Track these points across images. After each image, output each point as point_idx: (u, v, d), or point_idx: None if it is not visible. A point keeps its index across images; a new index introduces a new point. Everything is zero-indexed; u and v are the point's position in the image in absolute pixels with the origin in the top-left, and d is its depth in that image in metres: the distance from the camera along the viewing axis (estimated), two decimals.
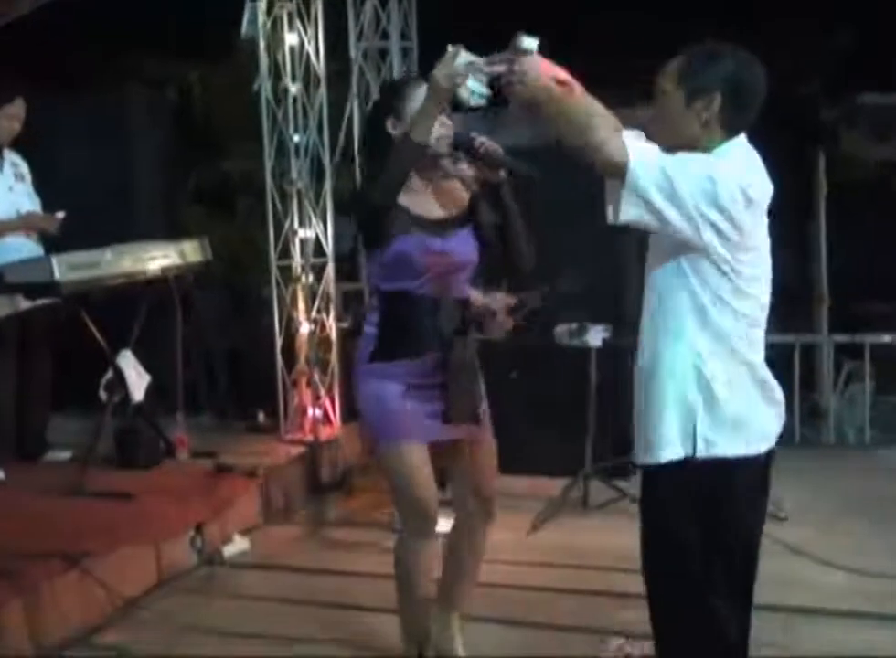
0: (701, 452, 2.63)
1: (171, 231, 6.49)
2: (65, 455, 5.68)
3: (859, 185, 10.93)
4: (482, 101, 3.00)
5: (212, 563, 4.91)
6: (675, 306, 2.64)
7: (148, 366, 5.65)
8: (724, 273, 2.59)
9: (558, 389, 5.73)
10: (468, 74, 2.96)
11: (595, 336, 5.40)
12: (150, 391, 5.66)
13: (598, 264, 5.85)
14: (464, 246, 3.40)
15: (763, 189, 2.66)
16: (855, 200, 10.30)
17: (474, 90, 2.99)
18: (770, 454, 2.73)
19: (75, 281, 4.94)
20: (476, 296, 3.61)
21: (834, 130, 8.24)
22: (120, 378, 5.46)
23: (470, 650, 3.70)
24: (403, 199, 3.28)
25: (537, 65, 2.63)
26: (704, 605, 2.67)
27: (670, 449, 2.64)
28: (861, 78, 8.10)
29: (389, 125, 3.34)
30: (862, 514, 5.14)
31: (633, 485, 5.72)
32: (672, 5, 7.67)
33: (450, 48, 3.01)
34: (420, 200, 3.37)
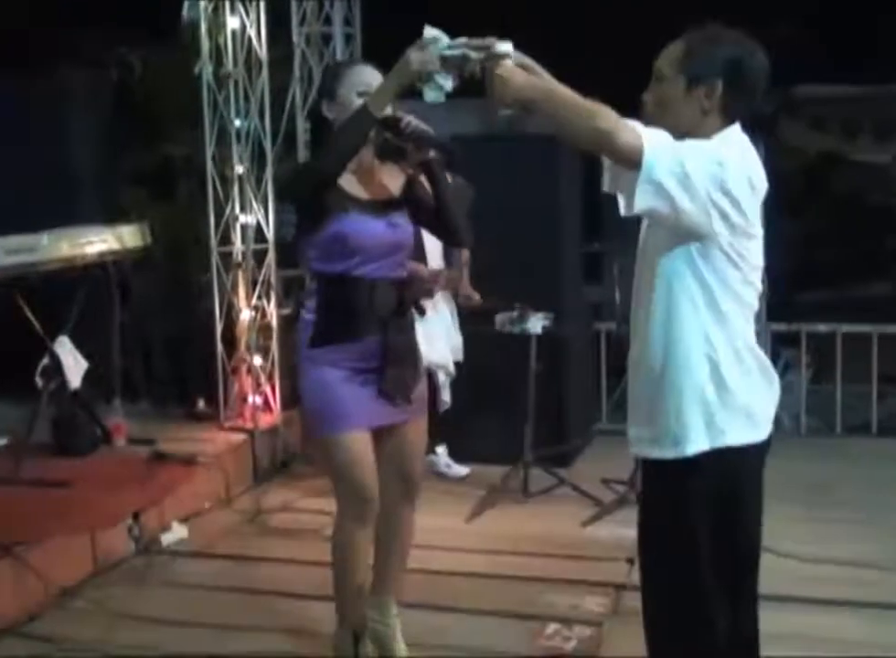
0: (718, 443, 2.61)
1: (110, 214, 6.41)
2: (0, 442, 5.60)
3: (799, 174, 11.09)
4: (440, 98, 2.98)
5: (150, 551, 4.87)
6: (685, 296, 2.59)
7: (86, 353, 5.58)
8: (733, 261, 2.56)
9: (498, 377, 5.74)
10: (439, 66, 2.92)
11: (536, 324, 5.41)
12: (87, 378, 5.60)
13: (538, 252, 5.86)
14: (399, 226, 3.42)
15: (762, 178, 2.62)
16: (794, 190, 10.45)
17: (440, 84, 2.95)
18: (770, 438, 2.73)
19: (11, 266, 4.89)
20: (417, 267, 3.60)
21: (773, 120, 8.34)
22: (56, 365, 5.40)
23: (409, 637, 3.70)
24: (340, 179, 3.28)
25: (516, 68, 2.62)
26: (703, 607, 2.65)
27: (694, 442, 2.61)
28: (800, 69, 8.20)
29: (325, 108, 3.37)
30: (800, 501, 5.21)
31: (571, 473, 5.78)
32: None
33: (428, 31, 2.96)
34: (355, 180, 3.37)
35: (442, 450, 5.90)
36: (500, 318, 5.53)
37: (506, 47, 2.67)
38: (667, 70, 2.60)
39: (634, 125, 2.48)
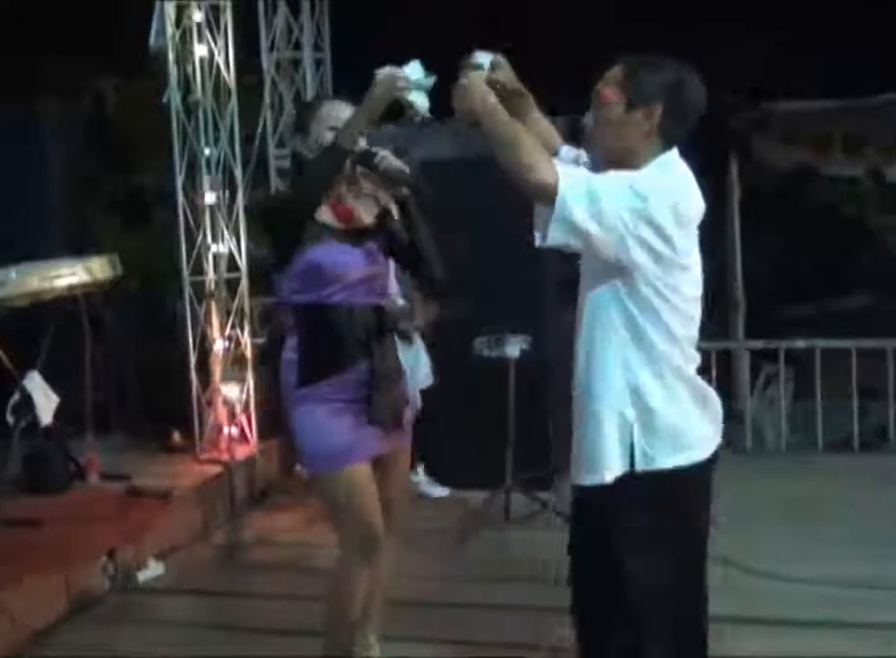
0: (641, 466, 2.60)
1: (82, 245, 6.34)
2: None
3: (772, 190, 11.10)
4: (426, 114, 2.98)
5: (126, 589, 4.77)
6: (609, 328, 2.61)
7: (57, 387, 5.50)
8: (661, 294, 2.57)
9: (478, 401, 5.68)
10: (409, 86, 2.95)
11: (513, 348, 5.37)
12: (59, 413, 5.52)
13: (517, 276, 5.81)
14: (375, 257, 3.40)
15: (695, 206, 2.63)
16: (768, 205, 10.46)
17: (417, 104, 2.96)
18: (712, 461, 2.70)
19: None
20: (391, 302, 3.59)
21: (745, 136, 8.34)
22: (27, 401, 5.32)
23: None
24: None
25: (480, 79, 2.63)
26: (636, 640, 2.61)
27: (612, 468, 2.60)
28: (771, 86, 8.22)
29: (298, 143, 3.40)
30: (781, 519, 5.16)
31: (555, 497, 5.71)
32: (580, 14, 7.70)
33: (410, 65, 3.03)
34: (329, 210, 3.34)
35: (420, 469, 5.83)
36: (478, 342, 5.49)
37: (484, 58, 2.68)
38: (607, 93, 2.61)
39: (556, 162, 2.51)
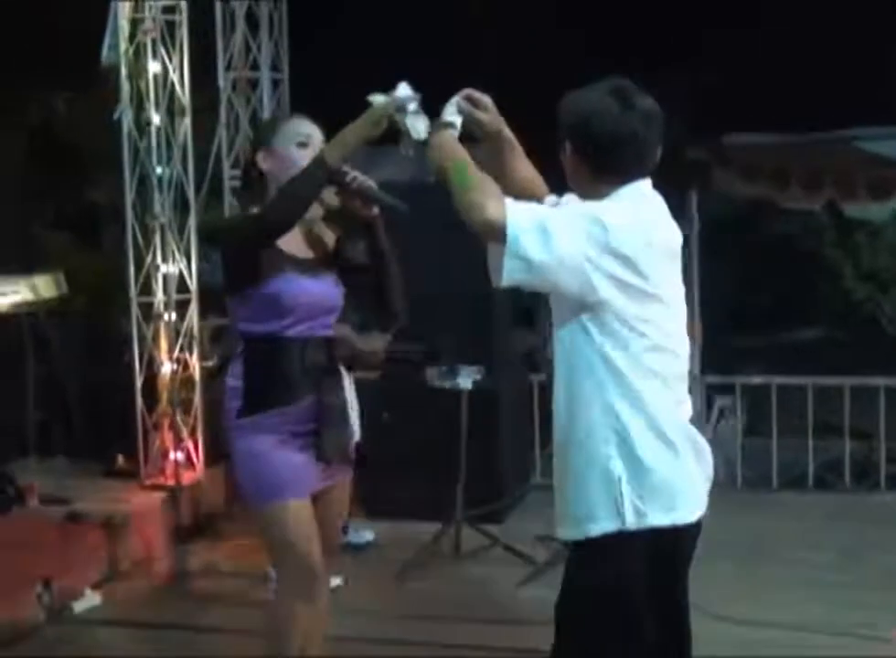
0: (632, 524, 2.43)
1: (27, 262, 6.19)
2: None
3: (730, 221, 11.13)
4: (420, 139, 2.88)
5: (61, 621, 4.61)
6: (584, 368, 2.45)
7: None
8: (634, 328, 2.42)
9: (429, 432, 5.57)
10: (404, 112, 2.86)
11: (466, 379, 5.27)
12: None
13: (467, 304, 5.72)
14: (332, 288, 3.32)
15: (667, 234, 2.52)
16: (726, 236, 10.48)
17: (414, 128, 2.87)
18: (700, 520, 2.55)
19: None
20: (346, 333, 3.50)
21: (704, 168, 8.34)
22: None
23: None
24: None
25: (449, 137, 2.61)
26: None
27: (599, 522, 2.44)
28: (728, 117, 8.24)
29: (259, 158, 3.29)
30: (728, 557, 5.08)
31: (505, 530, 5.62)
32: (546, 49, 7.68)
33: (401, 87, 2.94)
34: (291, 238, 3.23)
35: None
36: (430, 372, 5.40)
37: (452, 117, 2.66)
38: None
39: (508, 201, 2.42)
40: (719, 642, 4.12)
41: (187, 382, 6.10)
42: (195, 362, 6.11)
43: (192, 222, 6.07)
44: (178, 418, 6.02)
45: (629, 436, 2.43)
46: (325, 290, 3.28)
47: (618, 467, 2.43)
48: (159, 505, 5.69)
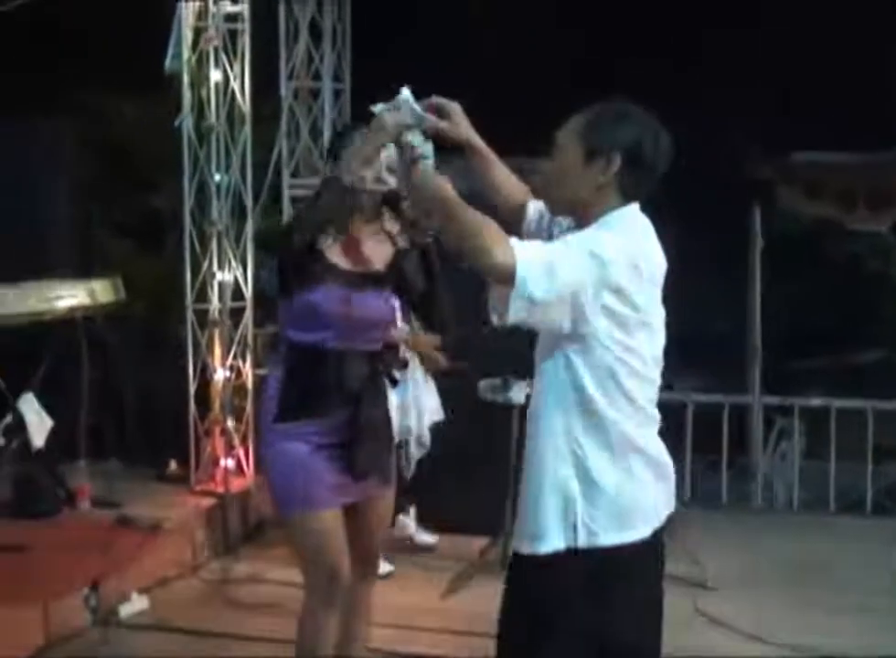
0: (583, 543, 2.47)
1: (87, 268, 6.24)
2: None
3: (794, 241, 10.98)
4: (425, 155, 2.84)
5: (107, 624, 4.62)
6: (559, 393, 2.50)
7: (53, 410, 5.40)
8: (617, 357, 2.45)
9: (479, 445, 5.53)
10: (414, 123, 2.77)
11: (519, 393, 5.21)
12: (54, 436, 5.40)
13: None
14: (378, 303, 3.30)
15: (655, 262, 2.53)
16: (790, 256, 10.33)
17: (415, 143, 2.81)
18: (659, 532, 2.57)
19: None
20: (403, 335, 3.50)
21: (769, 186, 8.23)
22: (20, 422, 5.21)
23: None
24: (324, 246, 3.17)
25: (430, 172, 2.58)
26: None
27: (550, 541, 2.48)
28: (795, 136, 8.12)
29: (328, 169, 3.36)
30: (789, 582, 4.98)
31: None
32: (598, 63, 7.60)
33: (403, 92, 2.83)
34: (340, 249, 3.24)
35: (410, 515, 5.66)
36: (483, 385, 5.35)
37: (425, 147, 2.62)
38: (566, 141, 2.53)
39: (512, 241, 2.40)
40: None
41: (240, 389, 6.13)
42: (248, 369, 6.13)
43: (249, 230, 6.10)
44: (230, 425, 6.04)
45: (587, 459, 2.48)
46: (369, 304, 3.26)
47: (575, 489, 2.47)
48: (208, 511, 5.71)
